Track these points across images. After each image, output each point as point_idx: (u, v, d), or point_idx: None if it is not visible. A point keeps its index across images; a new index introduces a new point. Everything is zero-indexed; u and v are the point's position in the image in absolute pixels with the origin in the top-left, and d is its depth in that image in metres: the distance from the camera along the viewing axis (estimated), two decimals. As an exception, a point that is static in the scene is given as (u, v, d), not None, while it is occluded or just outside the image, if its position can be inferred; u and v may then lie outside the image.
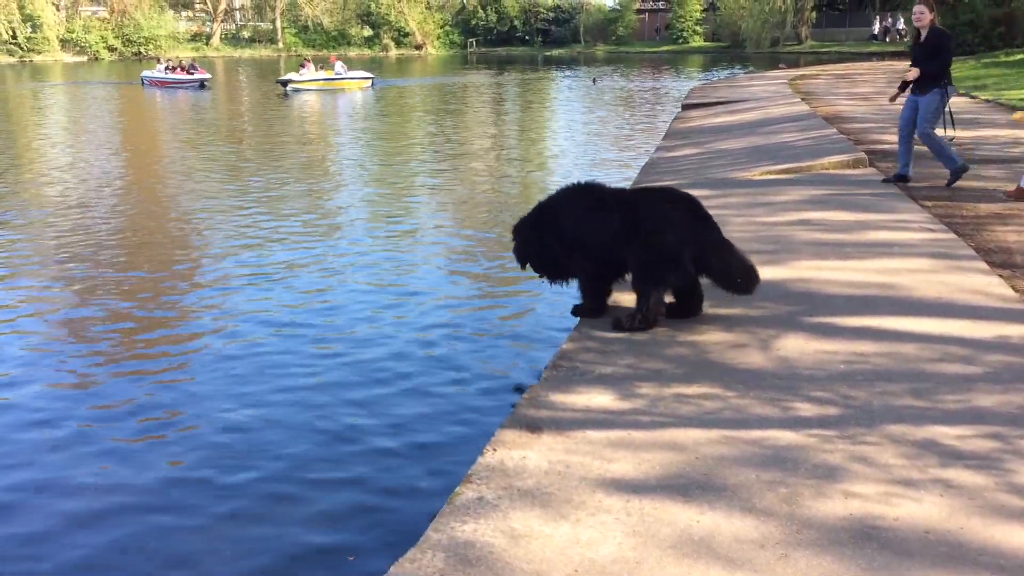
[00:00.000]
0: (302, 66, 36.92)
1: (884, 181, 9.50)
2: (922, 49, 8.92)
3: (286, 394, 5.61)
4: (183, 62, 39.86)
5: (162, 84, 37.20)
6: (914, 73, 8.95)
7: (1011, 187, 8.76)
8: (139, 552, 3.98)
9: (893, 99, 9.68)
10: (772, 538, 3.09)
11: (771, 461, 3.63)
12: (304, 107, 28.56)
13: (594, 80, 38.16)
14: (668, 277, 5.16)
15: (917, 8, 8.91)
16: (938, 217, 7.84)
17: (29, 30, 64.19)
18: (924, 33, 8.93)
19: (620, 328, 5.26)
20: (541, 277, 5.76)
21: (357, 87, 36.13)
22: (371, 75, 37.95)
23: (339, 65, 37.00)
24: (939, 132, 9.05)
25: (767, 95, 22.13)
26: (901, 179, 9.40)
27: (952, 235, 7.20)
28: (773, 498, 3.35)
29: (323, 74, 36.14)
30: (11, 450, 4.95)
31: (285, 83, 35.27)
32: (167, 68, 38.68)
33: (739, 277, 5.21)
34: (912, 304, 5.52)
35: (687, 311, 5.42)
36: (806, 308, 5.51)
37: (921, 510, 3.24)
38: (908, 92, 9.22)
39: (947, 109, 8.99)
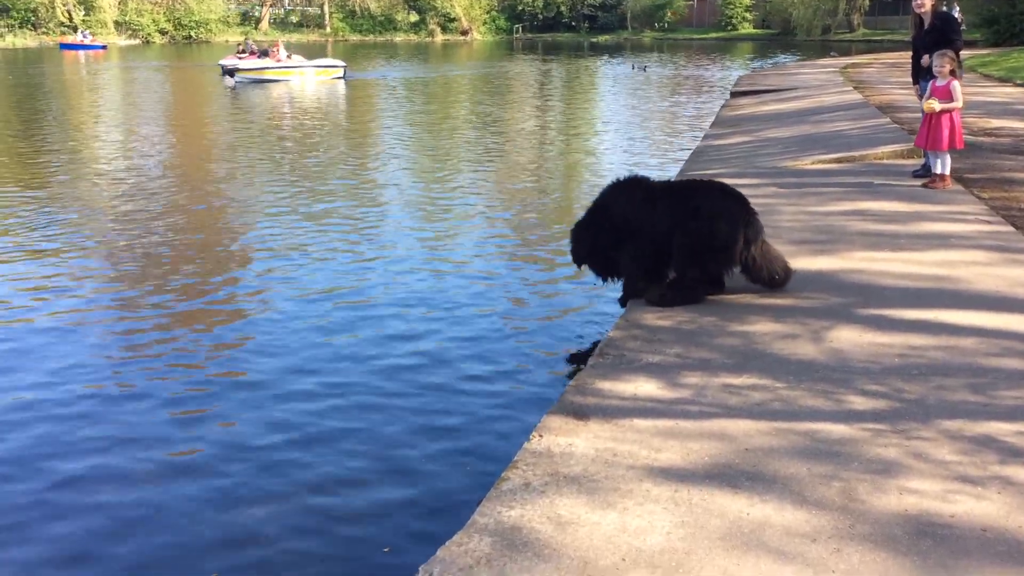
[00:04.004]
0: (263, 53, 32.63)
1: (914, 175, 9.00)
2: (929, 36, 8.60)
3: (326, 382, 5.61)
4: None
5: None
6: (926, 59, 8.58)
7: None
8: (176, 535, 4.02)
9: (922, 97, 9.09)
10: (824, 532, 3.04)
11: (823, 454, 3.56)
12: (265, 102, 24.50)
13: (633, 67, 37.54)
14: (711, 264, 5.44)
15: None
16: (995, 209, 7.65)
17: (83, 13, 65.13)
18: (927, 19, 8.65)
19: (651, 302, 5.48)
20: (598, 276, 6.01)
21: (325, 74, 31.09)
22: (342, 63, 32.37)
23: (281, 51, 32.46)
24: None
25: (818, 83, 21.76)
26: (929, 172, 8.64)
27: (1010, 228, 7.01)
28: (825, 492, 3.28)
29: (272, 61, 31.37)
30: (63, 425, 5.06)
31: (231, 72, 29.95)
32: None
33: (776, 275, 5.50)
34: (969, 297, 5.39)
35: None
36: (859, 299, 5.40)
37: (979, 508, 3.16)
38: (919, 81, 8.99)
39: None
